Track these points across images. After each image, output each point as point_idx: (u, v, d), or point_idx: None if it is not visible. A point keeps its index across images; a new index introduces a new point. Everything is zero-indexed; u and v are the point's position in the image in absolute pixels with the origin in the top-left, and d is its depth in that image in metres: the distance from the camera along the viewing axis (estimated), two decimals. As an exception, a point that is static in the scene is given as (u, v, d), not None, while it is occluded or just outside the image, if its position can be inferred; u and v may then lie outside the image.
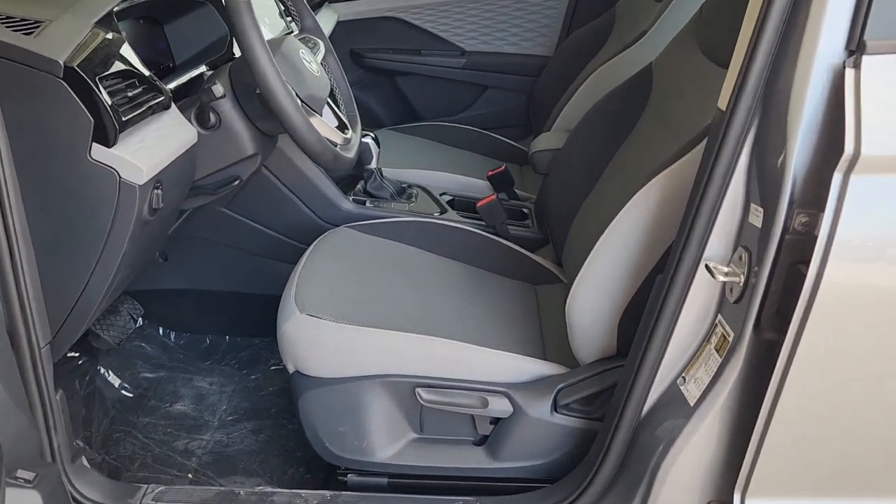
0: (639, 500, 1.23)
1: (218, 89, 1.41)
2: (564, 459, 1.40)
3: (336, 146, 1.51)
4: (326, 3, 2.88)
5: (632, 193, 1.28)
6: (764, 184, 1.06)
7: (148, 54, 1.50)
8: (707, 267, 1.10)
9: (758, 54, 1.01)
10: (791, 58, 1.01)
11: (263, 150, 1.59)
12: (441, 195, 2.15)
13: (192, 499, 1.33)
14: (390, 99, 3.03)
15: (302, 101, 1.45)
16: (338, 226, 1.81)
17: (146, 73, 1.31)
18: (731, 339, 1.12)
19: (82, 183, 1.19)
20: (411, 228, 1.81)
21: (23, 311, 1.17)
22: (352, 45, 2.93)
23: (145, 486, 1.36)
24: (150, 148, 1.26)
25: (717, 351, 1.15)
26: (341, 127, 1.68)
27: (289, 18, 2.03)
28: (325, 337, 1.40)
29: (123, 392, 1.89)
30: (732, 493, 1.16)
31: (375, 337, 1.40)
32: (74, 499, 1.29)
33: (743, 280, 1.08)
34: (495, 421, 1.42)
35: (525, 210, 2.16)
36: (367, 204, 2.00)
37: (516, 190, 2.24)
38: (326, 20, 2.72)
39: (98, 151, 1.17)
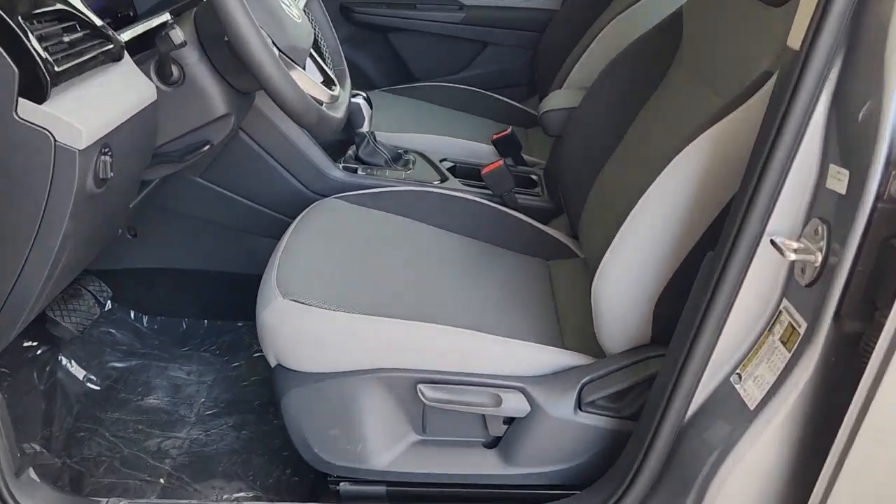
0: (685, 517, 1.10)
1: (177, 35, 1.27)
2: (589, 465, 1.30)
3: (322, 105, 1.41)
4: (312, -47, 2.74)
5: (665, 157, 1.19)
6: (848, 140, 0.93)
7: (103, 1, 1.34)
8: (773, 242, 0.97)
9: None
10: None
11: (238, 111, 1.47)
12: (441, 161, 2.06)
13: (159, 514, 1.21)
14: (383, 58, 2.95)
15: (280, 51, 1.34)
16: (326, 196, 1.72)
17: (88, 13, 1.13)
18: (801, 331, 0.97)
19: (9, 148, 1.02)
20: (409, 199, 1.72)
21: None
22: (341, -2, 2.88)
23: (104, 500, 1.24)
24: (94, 106, 1.10)
25: (784, 344, 0.98)
26: (327, 83, 1.58)
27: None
28: (311, 326, 1.29)
29: (89, 384, 1.75)
30: (801, 520, 1.02)
31: (369, 325, 1.29)
32: (19, 521, 1.16)
33: (820, 259, 0.95)
34: (509, 420, 1.32)
35: (534, 177, 2.06)
36: (359, 172, 1.92)
37: (523, 155, 2.13)
38: (312, -30, 2.59)
39: (26, 109, 1.01)
